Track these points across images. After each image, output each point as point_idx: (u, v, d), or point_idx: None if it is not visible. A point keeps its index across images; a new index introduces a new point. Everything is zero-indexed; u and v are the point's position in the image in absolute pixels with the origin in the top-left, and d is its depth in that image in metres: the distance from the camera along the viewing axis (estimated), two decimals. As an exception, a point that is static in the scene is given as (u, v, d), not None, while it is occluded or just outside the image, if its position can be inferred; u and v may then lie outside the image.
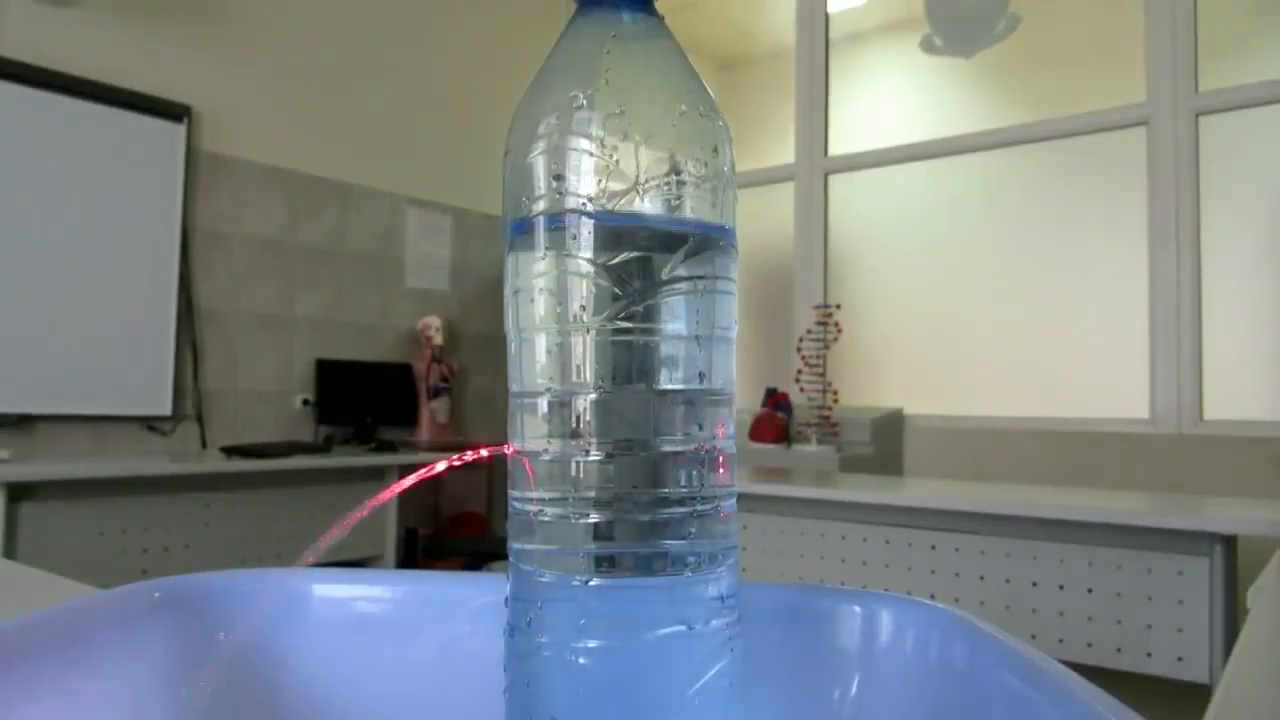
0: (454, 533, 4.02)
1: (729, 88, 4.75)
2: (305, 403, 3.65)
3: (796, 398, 3.45)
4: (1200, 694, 1.62)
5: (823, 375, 3.42)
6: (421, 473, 0.34)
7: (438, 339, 3.96)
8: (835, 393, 3.42)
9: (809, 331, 3.51)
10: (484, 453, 0.33)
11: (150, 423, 3.19)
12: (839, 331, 3.48)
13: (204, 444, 3.30)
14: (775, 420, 3.42)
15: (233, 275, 3.46)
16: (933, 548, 1.92)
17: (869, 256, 3.86)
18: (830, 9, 3.95)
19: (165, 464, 2.66)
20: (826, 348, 3.46)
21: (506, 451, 0.31)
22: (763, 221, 4.02)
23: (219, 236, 3.41)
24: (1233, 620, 1.60)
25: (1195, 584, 1.62)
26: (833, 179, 3.88)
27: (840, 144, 3.88)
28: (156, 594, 0.36)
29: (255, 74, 3.53)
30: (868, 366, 3.68)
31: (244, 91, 3.49)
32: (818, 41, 3.93)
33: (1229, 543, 1.63)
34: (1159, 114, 3.04)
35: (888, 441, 3.37)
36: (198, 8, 3.36)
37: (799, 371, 3.46)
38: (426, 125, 4.16)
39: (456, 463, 0.33)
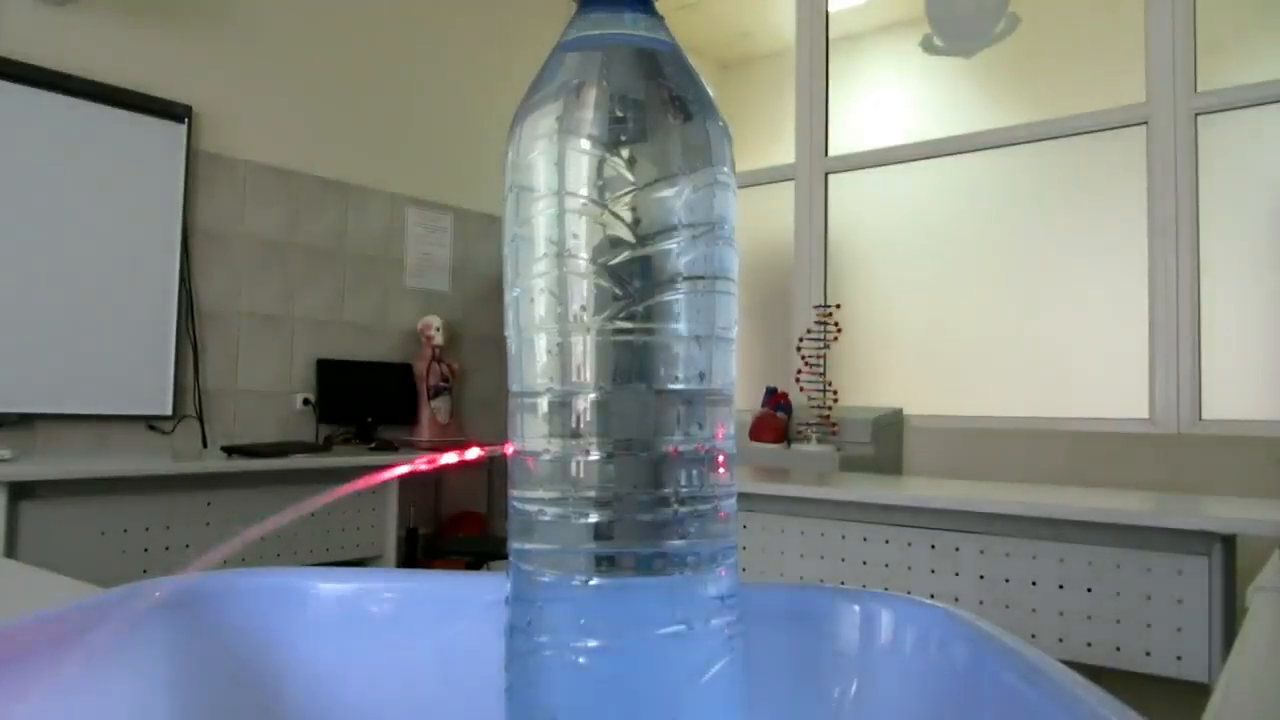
0: (454, 532, 4.02)
1: (729, 88, 4.75)
2: (305, 402, 3.65)
3: (796, 398, 3.45)
4: (1199, 693, 1.62)
5: (823, 375, 3.42)
6: (393, 471, 0.33)
7: (438, 339, 3.96)
8: (835, 393, 3.42)
9: (809, 331, 3.51)
10: (450, 458, 0.33)
11: (151, 422, 3.19)
12: (839, 331, 3.48)
13: (205, 443, 3.30)
14: (775, 420, 3.42)
15: (233, 275, 3.46)
16: (933, 547, 1.92)
17: (869, 256, 3.86)
18: (830, 9, 3.95)
19: (166, 463, 2.66)
20: (826, 347, 3.46)
21: (506, 451, 0.31)
22: (763, 221, 4.02)
23: (219, 236, 3.41)
24: (1232, 619, 1.60)
25: (1194, 583, 1.62)
26: (833, 179, 3.88)
27: (840, 144, 3.88)
28: (157, 594, 0.36)
29: (255, 74, 3.53)
30: (868, 366, 3.68)
31: (244, 91, 3.49)
32: (818, 41, 3.93)
33: (1228, 542, 1.63)
34: (1158, 114, 3.04)
35: (888, 441, 3.37)
36: (198, 8, 3.36)
37: (799, 371, 3.46)
38: (426, 125, 4.16)
39: (424, 467, 0.33)
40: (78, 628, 0.32)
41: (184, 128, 3.26)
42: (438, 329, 3.97)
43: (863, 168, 3.80)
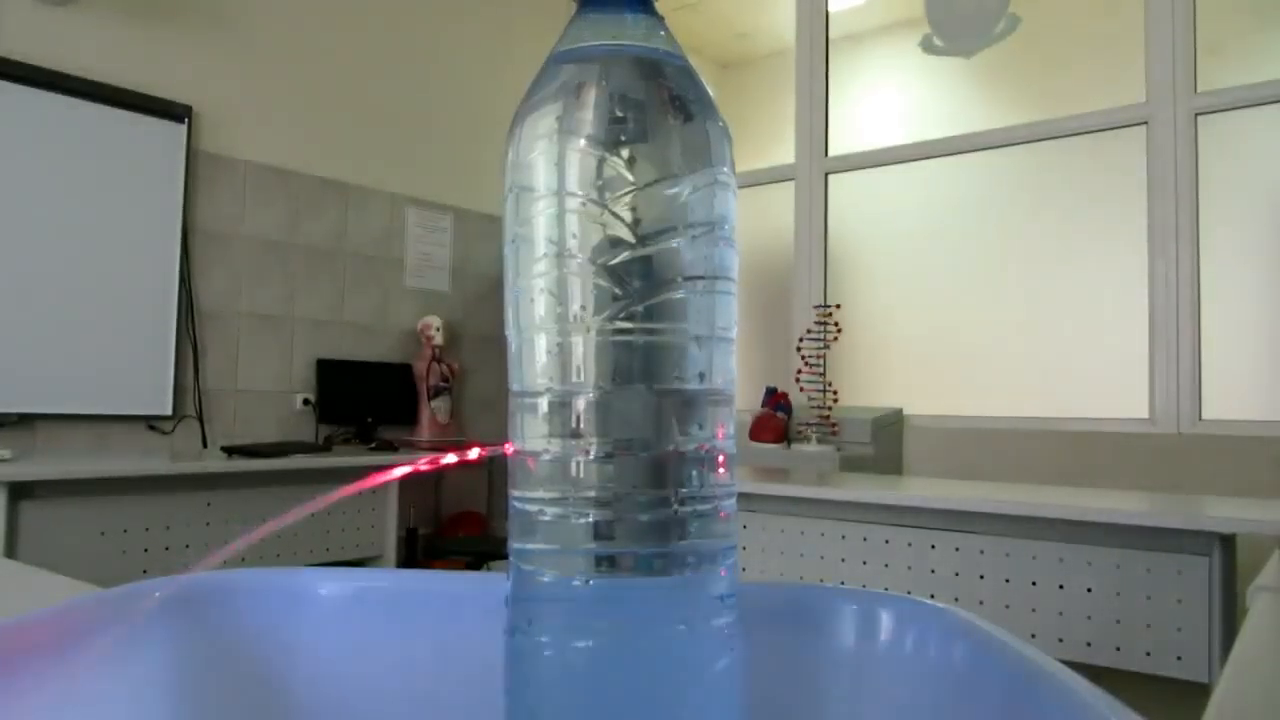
0: (454, 532, 4.02)
1: (729, 88, 4.75)
2: (305, 402, 3.65)
3: (796, 398, 3.44)
4: (1199, 693, 1.62)
5: (823, 375, 3.42)
6: (390, 473, 0.33)
7: (438, 339, 3.96)
8: (835, 393, 3.42)
9: (809, 331, 3.51)
10: (451, 458, 0.32)
11: (151, 422, 3.19)
12: (839, 331, 3.48)
13: (205, 443, 3.30)
14: (775, 420, 3.42)
15: (233, 275, 3.46)
16: (933, 547, 1.92)
17: (869, 256, 3.86)
18: (830, 9, 3.95)
19: (166, 463, 2.66)
20: (826, 348, 3.46)
21: (506, 451, 0.31)
22: (763, 221, 4.02)
23: (219, 236, 3.41)
24: (1231, 619, 1.60)
25: (1194, 583, 1.62)
26: (833, 179, 3.87)
27: (840, 144, 3.88)
28: (157, 594, 0.36)
29: (255, 74, 3.53)
30: (868, 366, 3.68)
31: (244, 91, 3.49)
32: (818, 41, 3.93)
33: (1228, 542, 1.63)
34: (1159, 114, 3.04)
35: (888, 441, 3.37)
36: (198, 8, 3.35)
37: (799, 371, 3.46)
38: (426, 125, 4.15)
39: (425, 467, 0.33)
40: (78, 628, 0.32)
41: (184, 128, 3.26)
42: (438, 329, 3.97)
43: (863, 168, 3.80)
